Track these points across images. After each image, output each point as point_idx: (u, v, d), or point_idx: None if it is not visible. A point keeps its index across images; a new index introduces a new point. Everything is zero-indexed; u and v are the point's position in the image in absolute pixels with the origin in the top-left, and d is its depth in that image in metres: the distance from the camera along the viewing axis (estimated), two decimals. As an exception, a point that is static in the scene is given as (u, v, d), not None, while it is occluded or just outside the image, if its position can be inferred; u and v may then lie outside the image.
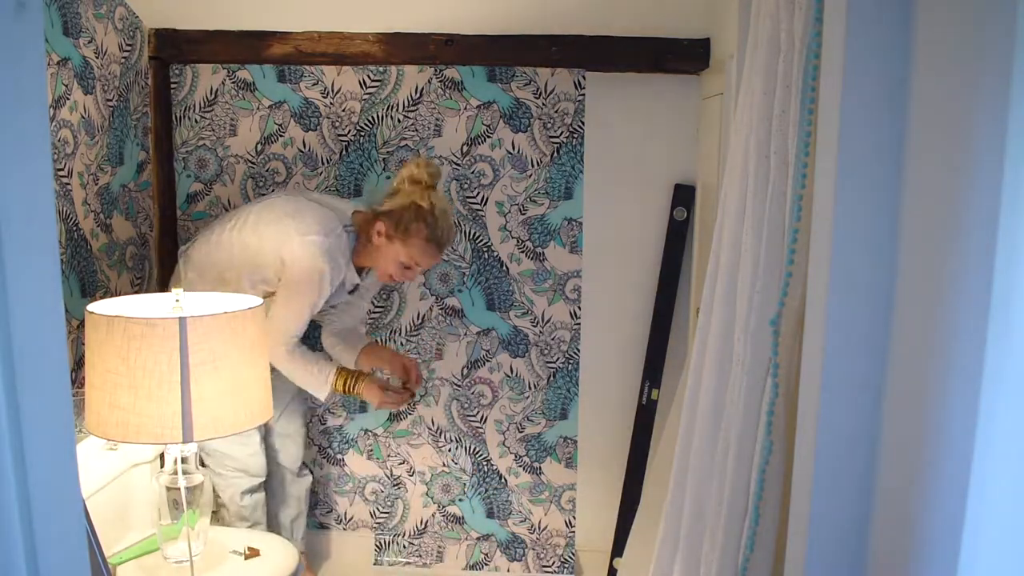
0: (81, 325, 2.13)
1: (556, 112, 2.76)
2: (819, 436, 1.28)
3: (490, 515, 3.00)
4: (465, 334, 2.89)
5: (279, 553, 2.24)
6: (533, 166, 2.79)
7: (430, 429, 2.95)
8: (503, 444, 2.94)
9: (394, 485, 2.99)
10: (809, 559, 1.31)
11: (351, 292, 2.52)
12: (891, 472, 1.23)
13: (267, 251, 2.31)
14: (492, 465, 2.96)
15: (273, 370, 2.57)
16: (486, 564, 3.01)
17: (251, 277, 2.34)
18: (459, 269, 2.85)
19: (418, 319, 2.88)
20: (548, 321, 2.87)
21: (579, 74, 2.74)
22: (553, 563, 3.01)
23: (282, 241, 2.28)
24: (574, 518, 2.99)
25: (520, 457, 2.95)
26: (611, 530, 2.90)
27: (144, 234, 2.70)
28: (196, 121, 2.80)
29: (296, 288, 2.29)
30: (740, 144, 1.71)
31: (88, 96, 2.32)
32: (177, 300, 1.96)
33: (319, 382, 2.38)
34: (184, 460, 2.02)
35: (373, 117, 2.78)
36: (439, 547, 3.01)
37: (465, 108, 2.77)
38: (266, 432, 2.64)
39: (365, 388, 2.41)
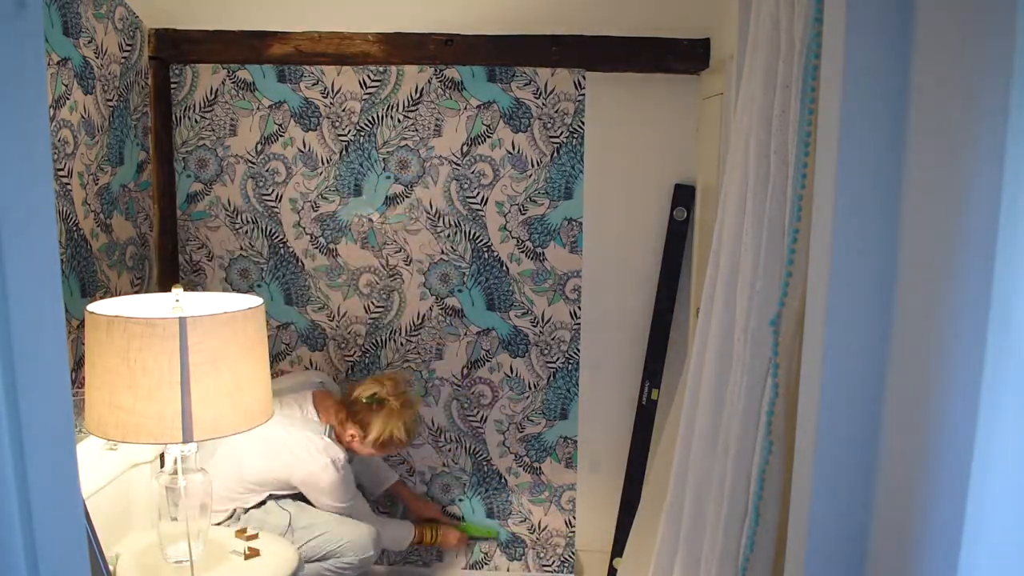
0: (81, 325, 2.13)
1: (556, 112, 2.76)
2: (819, 436, 1.28)
3: (490, 515, 3.00)
4: (465, 334, 2.89)
5: (279, 553, 2.24)
6: (533, 166, 2.79)
7: (430, 429, 2.94)
8: (503, 444, 2.94)
9: (394, 485, 2.99)
10: (809, 559, 1.31)
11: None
12: (891, 472, 1.23)
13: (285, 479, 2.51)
14: (492, 465, 2.96)
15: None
16: (486, 564, 3.01)
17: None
18: (459, 269, 2.85)
19: (418, 319, 2.88)
20: (548, 321, 2.87)
21: (579, 74, 2.74)
22: (553, 563, 3.01)
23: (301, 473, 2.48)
24: (574, 518, 2.99)
25: (520, 457, 2.95)
26: (611, 530, 2.90)
27: (144, 234, 2.70)
28: (196, 121, 2.79)
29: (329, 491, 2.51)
30: (740, 144, 1.71)
31: (88, 96, 2.32)
32: (177, 300, 1.96)
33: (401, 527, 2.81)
34: (184, 460, 2.02)
35: (373, 117, 2.78)
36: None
37: (465, 108, 2.77)
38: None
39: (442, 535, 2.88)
